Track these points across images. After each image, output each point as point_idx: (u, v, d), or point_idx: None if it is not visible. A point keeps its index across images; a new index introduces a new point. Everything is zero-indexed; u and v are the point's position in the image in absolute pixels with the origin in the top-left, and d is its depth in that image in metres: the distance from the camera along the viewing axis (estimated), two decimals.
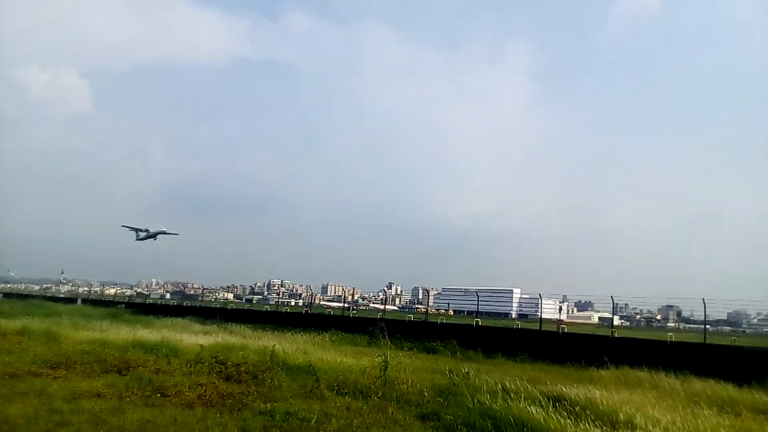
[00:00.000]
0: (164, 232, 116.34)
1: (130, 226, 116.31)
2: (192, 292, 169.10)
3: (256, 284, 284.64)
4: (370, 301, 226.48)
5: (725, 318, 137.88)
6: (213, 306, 74.52)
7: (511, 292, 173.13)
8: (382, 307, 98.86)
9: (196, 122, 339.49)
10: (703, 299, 29.63)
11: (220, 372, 16.62)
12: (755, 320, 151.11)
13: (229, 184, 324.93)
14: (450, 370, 18.66)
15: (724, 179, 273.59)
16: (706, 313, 30.24)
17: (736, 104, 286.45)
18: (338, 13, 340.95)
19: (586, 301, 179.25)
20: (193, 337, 28.03)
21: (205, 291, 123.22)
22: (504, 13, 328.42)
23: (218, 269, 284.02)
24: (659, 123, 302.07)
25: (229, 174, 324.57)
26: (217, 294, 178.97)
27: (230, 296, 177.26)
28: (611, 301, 34.65)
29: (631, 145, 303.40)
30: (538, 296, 41.53)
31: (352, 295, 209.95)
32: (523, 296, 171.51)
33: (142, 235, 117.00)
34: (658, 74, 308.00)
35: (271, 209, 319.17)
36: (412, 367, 19.12)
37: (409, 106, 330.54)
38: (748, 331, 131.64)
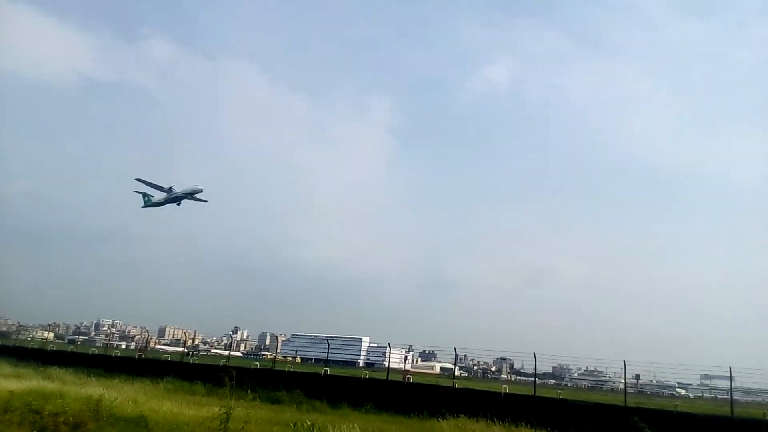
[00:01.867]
0: (194, 194, 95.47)
1: (147, 180, 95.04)
2: (5, 329, 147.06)
3: (82, 323, 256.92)
4: (212, 347, 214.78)
5: (551, 371, 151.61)
6: (29, 346, 67.49)
7: (360, 340, 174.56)
8: (225, 353, 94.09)
9: (26, 140, 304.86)
10: (534, 353, 32.17)
11: (34, 423, 14.73)
12: (576, 374, 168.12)
13: (56, 210, 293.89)
14: (294, 423, 18.06)
15: (553, 244, 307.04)
16: (536, 366, 32.80)
17: (565, 177, 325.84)
18: (204, 46, 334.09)
19: (429, 351, 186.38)
20: (2, 381, 24.25)
21: (21, 328, 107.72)
22: (371, 70, 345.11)
23: (39, 305, 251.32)
24: (500, 188, 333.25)
25: (57, 200, 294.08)
26: (35, 332, 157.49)
27: (50, 335, 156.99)
28: (454, 353, 36.26)
29: (476, 205, 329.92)
30: (387, 345, 42.24)
31: (193, 339, 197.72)
32: (372, 345, 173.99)
33: (158, 198, 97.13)
34: (502, 143, 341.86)
35: (108, 242, 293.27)
36: (256, 419, 18.15)
37: (269, 146, 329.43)
38: (569, 384, 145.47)
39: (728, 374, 29.93)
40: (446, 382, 41.44)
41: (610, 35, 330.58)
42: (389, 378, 38.09)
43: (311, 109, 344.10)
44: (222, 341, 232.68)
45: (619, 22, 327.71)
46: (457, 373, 46.07)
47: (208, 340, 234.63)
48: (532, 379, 35.85)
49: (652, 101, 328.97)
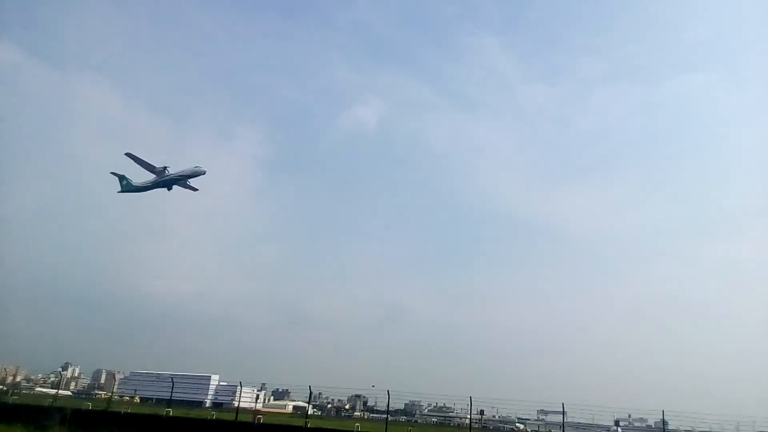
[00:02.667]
0: (194, 176, 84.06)
1: (137, 156, 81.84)
2: None
3: None
4: (37, 384, 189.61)
5: (402, 408, 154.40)
6: None
7: (209, 378, 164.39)
8: (53, 391, 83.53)
9: None
10: (387, 391, 32.37)
11: None
12: (426, 410, 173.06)
13: None
14: None
15: (410, 281, 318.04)
16: (389, 403, 32.99)
17: (424, 216, 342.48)
18: (55, 57, 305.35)
19: (283, 390, 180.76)
20: None
21: None
22: (239, 98, 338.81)
23: None
24: (362, 225, 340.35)
25: None
26: None
27: None
28: (309, 390, 35.32)
29: (338, 241, 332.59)
30: (238, 384, 40.02)
31: (14, 376, 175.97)
32: (222, 383, 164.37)
33: (142, 181, 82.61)
34: (367, 181, 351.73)
35: None
36: None
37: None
38: (419, 420, 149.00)
39: (561, 410, 32.50)
40: (299, 422, 40.17)
41: (468, 89, 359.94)
42: (238, 419, 36.03)
43: (172, 133, 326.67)
44: (49, 378, 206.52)
45: (477, 79, 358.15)
46: (310, 411, 44.95)
47: (33, 377, 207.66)
48: (385, 416, 35.98)
49: (503, 153, 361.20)
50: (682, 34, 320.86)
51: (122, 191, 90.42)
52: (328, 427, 37.38)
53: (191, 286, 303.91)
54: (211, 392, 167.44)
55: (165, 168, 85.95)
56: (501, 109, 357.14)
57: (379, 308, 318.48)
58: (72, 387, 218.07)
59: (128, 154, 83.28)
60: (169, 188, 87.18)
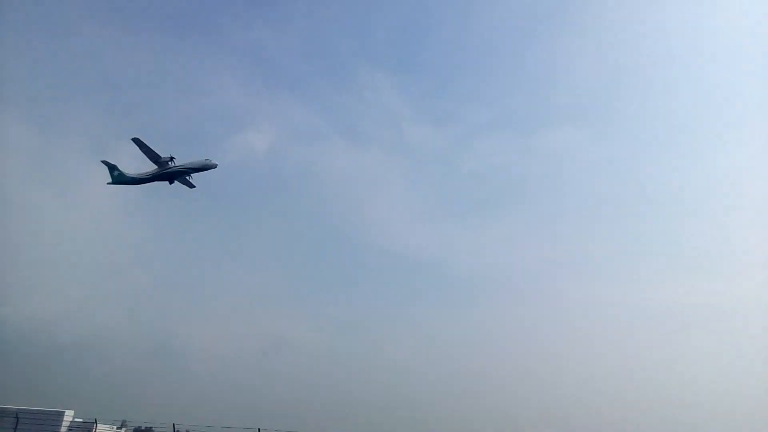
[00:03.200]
0: (203, 170, 78.68)
1: (145, 143, 76.04)
2: None
3: None
4: None
5: None
6: None
7: (61, 414, 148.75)
8: None
9: None
10: (258, 428, 32.17)
11: None
12: None
13: None
14: None
15: (293, 313, 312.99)
16: None
17: (313, 248, 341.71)
18: None
19: (146, 427, 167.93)
20: None
21: None
22: (120, 111, 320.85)
23: None
24: (246, 252, 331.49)
25: None
26: None
27: None
28: (172, 428, 34.07)
29: (220, 268, 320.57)
30: (94, 421, 37.56)
31: None
32: (76, 420, 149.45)
33: (139, 173, 77.47)
34: (255, 207, 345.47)
35: None
36: None
37: None
38: None
39: None
40: None
41: (361, 124, 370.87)
42: None
43: (36, 139, 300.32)
44: None
45: (370, 114, 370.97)
46: None
47: None
48: None
49: (392, 189, 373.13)
50: (558, 91, 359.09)
51: (113, 183, 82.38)
52: None
53: (49, 311, 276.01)
54: (63, 430, 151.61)
55: (171, 158, 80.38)
56: (392, 146, 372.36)
57: (258, 339, 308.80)
58: None
59: (135, 140, 76.43)
60: (171, 182, 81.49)
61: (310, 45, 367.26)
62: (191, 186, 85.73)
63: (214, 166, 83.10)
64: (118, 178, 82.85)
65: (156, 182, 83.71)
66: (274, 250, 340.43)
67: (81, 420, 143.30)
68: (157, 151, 79.94)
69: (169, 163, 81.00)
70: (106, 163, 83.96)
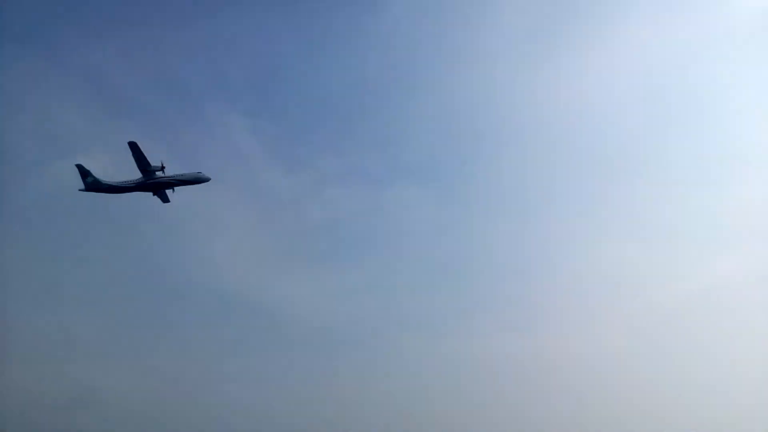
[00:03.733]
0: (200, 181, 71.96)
1: (140, 149, 69.35)
2: None
3: None
4: None
5: None
6: None
7: None
8: None
9: None
10: None
11: None
12: None
13: None
14: None
15: (112, 361, 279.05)
16: None
17: (143, 288, 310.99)
18: None
19: None
20: None
21: None
22: None
23: None
24: (61, 291, 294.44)
25: None
26: None
27: None
28: None
29: (22, 309, 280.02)
30: None
31: None
32: None
33: (118, 181, 72.51)
34: (76, 244, 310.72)
35: None
36: None
37: None
38: None
39: None
40: None
41: (210, 161, 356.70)
42: None
43: None
44: None
45: (220, 153, 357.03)
46: None
47: None
48: None
49: (241, 232, 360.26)
50: (407, 149, 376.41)
51: (86, 189, 75.03)
52: None
53: None
54: None
55: (162, 167, 73.62)
56: (243, 188, 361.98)
57: (63, 391, 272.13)
58: None
59: (131, 144, 70.91)
60: (155, 192, 75.00)
61: (157, 74, 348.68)
62: (165, 200, 78.91)
63: (207, 180, 76.65)
64: (93, 185, 75.72)
65: (137, 192, 77.38)
66: (102, 290, 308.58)
67: None
68: (147, 158, 73.77)
69: (158, 172, 74.50)
70: (80, 167, 76.16)
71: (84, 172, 76.82)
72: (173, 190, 78.39)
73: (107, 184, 76.91)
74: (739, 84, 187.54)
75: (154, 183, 76.76)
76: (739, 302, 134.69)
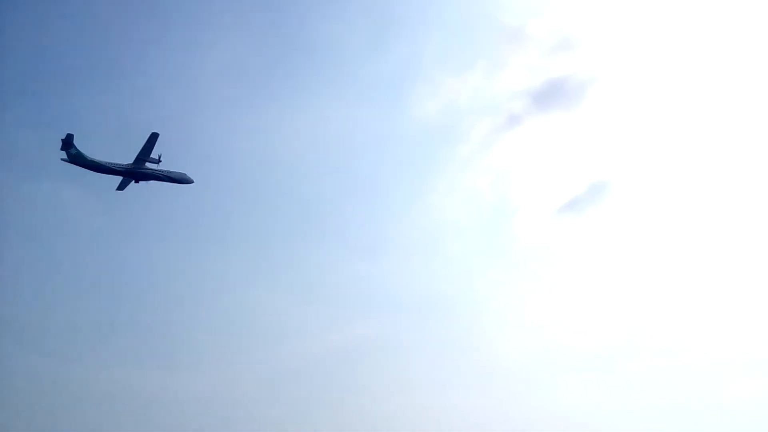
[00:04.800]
0: (183, 182, 71.91)
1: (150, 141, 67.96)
2: None
3: None
4: None
5: None
6: None
7: None
8: None
9: None
10: None
11: None
12: None
13: None
14: None
15: None
16: None
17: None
18: None
19: None
20: None
21: None
22: None
23: None
24: None
25: None
26: None
27: None
28: None
29: None
30: None
31: None
32: None
33: (107, 161, 70.76)
34: None
35: None
36: None
37: None
38: None
39: None
40: None
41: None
42: None
43: None
44: None
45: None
46: None
47: None
48: None
49: None
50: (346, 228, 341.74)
51: (69, 161, 70.79)
52: None
53: None
54: None
55: (159, 160, 71.78)
56: None
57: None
58: None
59: (154, 134, 68.81)
60: (137, 181, 72.78)
61: None
62: (122, 189, 76.62)
63: (190, 182, 75.48)
64: (77, 157, 71.18)
65: (117, 177, 74.67)
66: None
67: None
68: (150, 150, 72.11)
69: (147, 163, 72.36)
70: (68, 138, 71.39)
71: (69, 143, 72.00)
72: (148, 182, 76.46)
73: (90, 161, 72.84)
74: None
75: (141, 172, 74.18)
76: None
